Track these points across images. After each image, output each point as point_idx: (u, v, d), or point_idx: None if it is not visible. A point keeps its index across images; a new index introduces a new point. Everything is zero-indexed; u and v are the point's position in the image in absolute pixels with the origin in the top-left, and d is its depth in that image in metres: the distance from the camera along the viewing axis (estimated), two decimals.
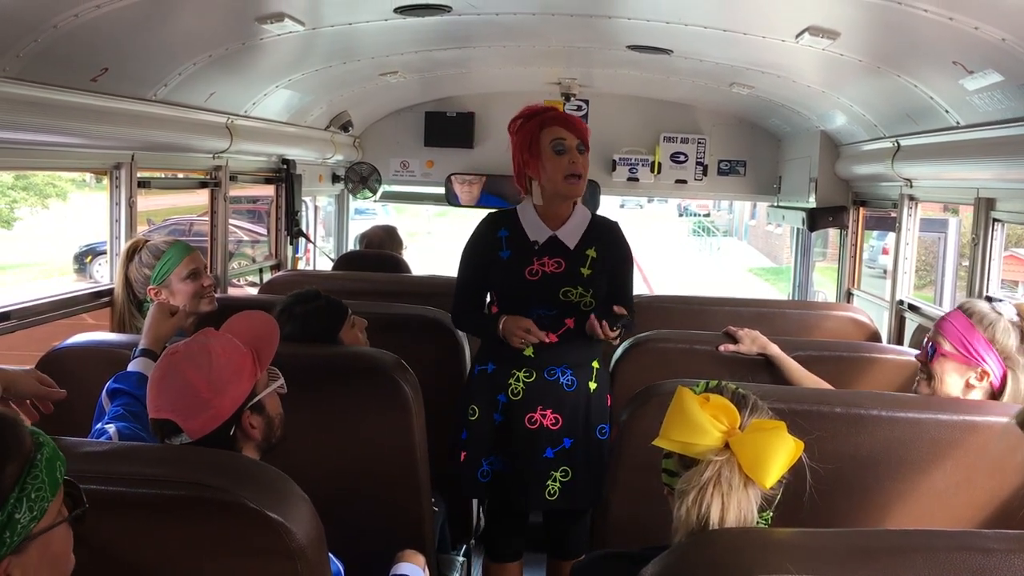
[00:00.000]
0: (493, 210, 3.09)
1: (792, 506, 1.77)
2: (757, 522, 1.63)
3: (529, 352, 2.88)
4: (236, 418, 1.85)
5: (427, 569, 2.24)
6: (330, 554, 1.72)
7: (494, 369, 2.96)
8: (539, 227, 2.94)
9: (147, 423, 2.11)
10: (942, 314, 3.59)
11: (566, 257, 2.90)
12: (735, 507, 1.58)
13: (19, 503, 1.22)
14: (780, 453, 1.59)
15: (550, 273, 2.88)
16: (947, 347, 2.35)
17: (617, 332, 2.80)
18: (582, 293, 2.86)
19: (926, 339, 2.43)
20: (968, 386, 2.34)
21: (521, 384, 2.91)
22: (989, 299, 2.44)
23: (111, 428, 2.05)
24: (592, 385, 2.94)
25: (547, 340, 2.82)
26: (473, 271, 3.00)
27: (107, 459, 1.67)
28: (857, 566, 1.32)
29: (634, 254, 3.08)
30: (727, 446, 1.61)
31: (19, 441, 1.25)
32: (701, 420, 1.63)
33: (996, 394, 2.34)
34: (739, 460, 1.59)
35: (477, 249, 3.00)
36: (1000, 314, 2.34)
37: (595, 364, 2.96)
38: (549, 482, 2.90)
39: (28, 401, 1.99)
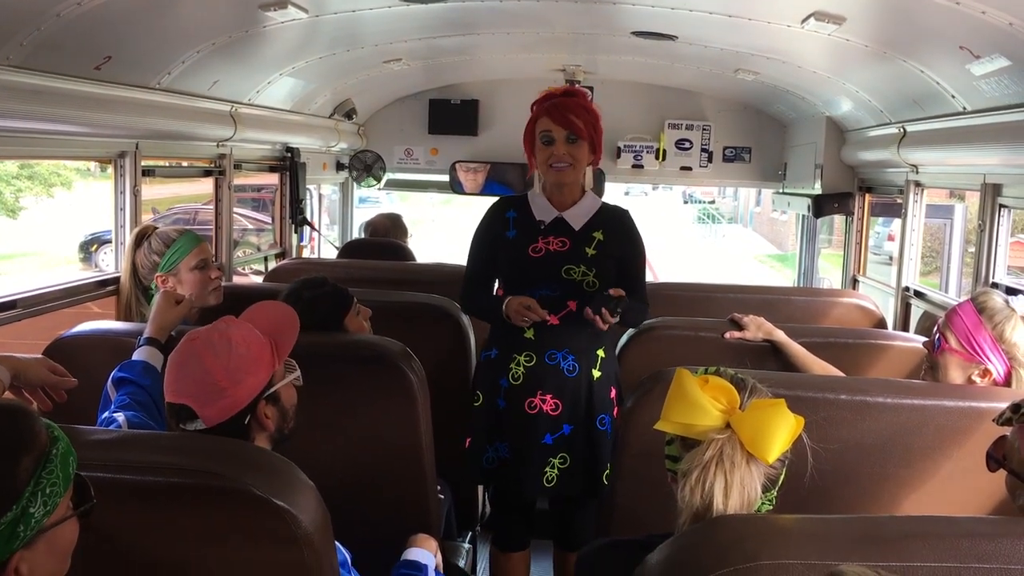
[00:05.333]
0: (496, 197, 3.13)
1: (798, 493, 1.77)
2: (761, 502, 1.64)
3: (530, 334, 2.89)
4: (252, 408, 1.85)
5: (439, 554, 2.25)
6: (336, 542, 1.73)
7: (496, 355, 2.97)
8: (547, 209, 2.96)
9: (152, 412, 2.13)
10: (948, 301, 3.60)
11: (571, 237, 2.92)
12: (738, 484, 1.58)
13: (33, 497, 1.23)
14: (781, 428, 1.60)
15: (554, 251, 2.90)
16: (952, 341, 2.33)
17: (617, 317, 2.78)
18: (584, 272, 2.87)
19: (935, 329, 2.42)
20: (970, 381, 2.34)
21: (522, 368, 2.92)
22: (1010, 290, 2.41)
23: (120, 417, 2.05)
24: (596, 373, 2.93)
25: (548, 319, 2.83)
26: (482, 254, 3.03)
27: (114, 447, 1.68)
28: (862, 552, 1.32)
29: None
30: (728, 426, 1.62)
31: (34, 435, 1.26)
32: (701, 400, 1.63)
33: None
34: (740, 437, 1.60)
35: (486, 231, 3.04)
36: (1014, 310, 2.32)
37: (600, 352, 2.95)
38: (547, 468, 2.90)
39: (39, 389, 1.99)
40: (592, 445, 2.92)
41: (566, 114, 2.87)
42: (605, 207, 3.01)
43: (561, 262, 2.88)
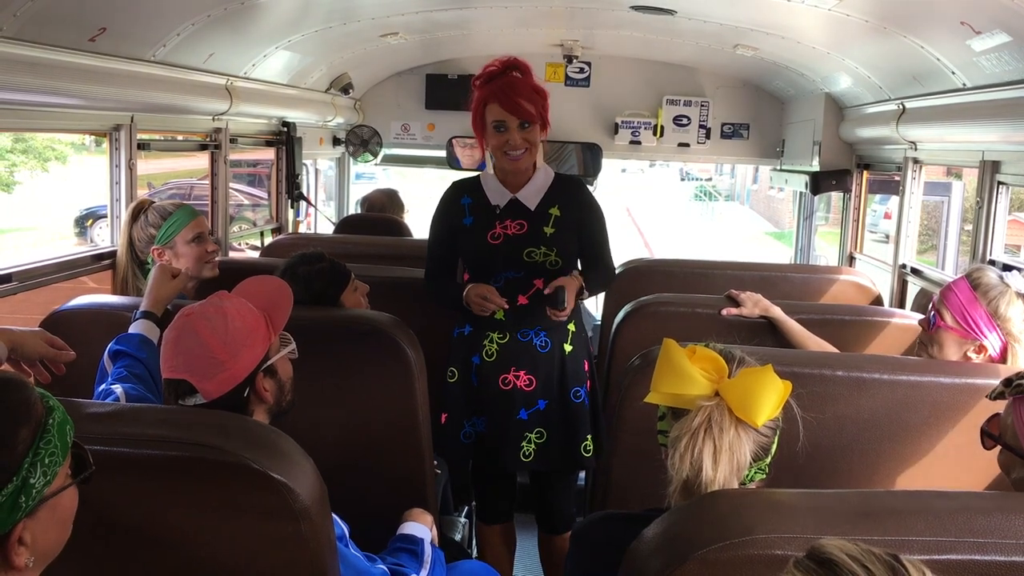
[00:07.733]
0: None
1: (793, 468, 1.77)
2: (752, 470, 1.64)
3: (500, 315, 2.87)
4: (250, 380, 1.85)
5: (435, 528, 2.26)
6: (334, 515, 1.73)
7: (470, 331, 2.97)
8: (500, 191, 2.94)
9: (150, 385, 2.12)
10: (944, 278, 3.60)
11: (528, 218, 2.90)
12: (727, 450, 1.58)
13: (33, 468, 1.23)
14: (768, 392, 1.60)
15: (512, 235, 2.89)
16: (948, 318, 2.34)
17: (564, 306, 2.77)
18: (546, 252, 2.87)
19: (930, 306, 2.42)
20: (966, 357, 2.34)
21: (495, 345, 2.92)
22: (1007, 267, 2.41)
23: (118, 389, 2.05)
24: (567, 348, 2.94)
25: (505, 307, 2.82)
26: (440, 240, 3.01)
27: (111, 420, 1.67)
28: (858, 527, 1.32)
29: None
30: (716, 394, 1.62)
31: (30, 406, 1.26)
32: (689, 370, 1.64)
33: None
34: (729, 403, 1.60)
35: (442, 218, 3.01)
36: (1008, 285, 2.32)
37: (571, 327, 2.96)
38: (524, 443, 2.91)
39: (38, 362, 1.99)
40: (568, 419, 2.93)
41: (517, 100, 2.80)
42: (558, 179, 2.98)
43: (521, 246, 2.87)
